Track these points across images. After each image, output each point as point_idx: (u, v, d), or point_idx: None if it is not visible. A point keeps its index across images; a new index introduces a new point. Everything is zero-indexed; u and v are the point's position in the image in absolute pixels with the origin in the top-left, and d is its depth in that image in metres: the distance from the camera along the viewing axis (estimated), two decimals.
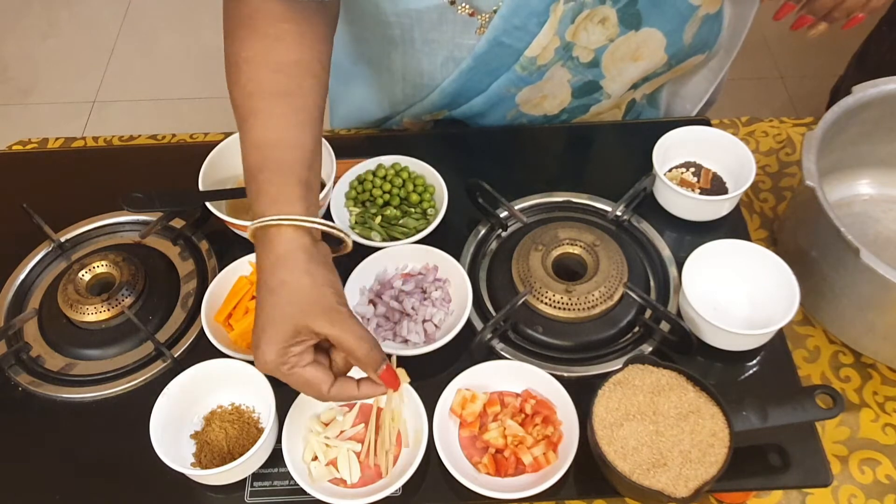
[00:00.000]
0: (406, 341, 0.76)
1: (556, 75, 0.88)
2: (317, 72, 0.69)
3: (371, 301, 0.79)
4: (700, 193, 0.85)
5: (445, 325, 0.77)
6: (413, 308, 0.77)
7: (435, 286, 0.79)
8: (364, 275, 0.80)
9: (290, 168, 0.64)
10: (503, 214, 0.86)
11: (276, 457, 0.70)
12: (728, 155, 0.87)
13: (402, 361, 0.72)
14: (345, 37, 0.98)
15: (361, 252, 0.80)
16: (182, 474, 0.67)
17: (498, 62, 0.85)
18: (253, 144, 0.65)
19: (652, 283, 0.82)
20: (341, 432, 0.70)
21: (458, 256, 0.83)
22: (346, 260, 0.76)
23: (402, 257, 0.82)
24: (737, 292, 0.78)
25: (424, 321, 0.77)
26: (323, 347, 0.63)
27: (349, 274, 0.79)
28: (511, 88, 0.89)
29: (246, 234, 0.64)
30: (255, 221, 0.62)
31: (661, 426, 0.65)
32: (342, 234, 0.66)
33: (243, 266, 0.81)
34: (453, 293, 0.79)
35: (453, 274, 0.79)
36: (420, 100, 0.94)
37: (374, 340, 0.61)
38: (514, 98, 0.91)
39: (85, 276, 0.82)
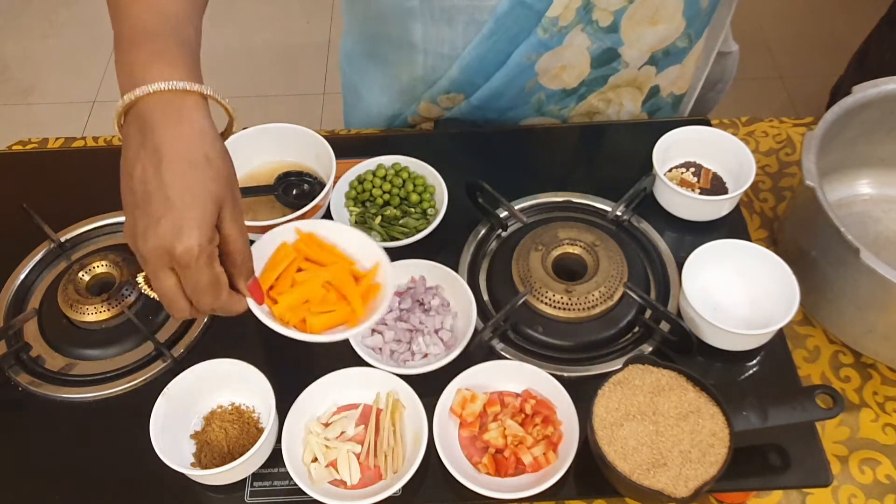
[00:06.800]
0: (426, 356, 0.75)
1: (576, 41, 0.87)
2: None
3: (375, 330, 0.77)
4: (700, 193, 0.85)
5: (456, 328, 0.77)
6: (420, 322, 0.76)
7: (430, 294, 0.78)
8: None
9: (190, 42, 0.60)
10: (503, 214, 0.86)
11: (276, 457, 0.70)
12: (728, 155, 0.87)
13: (423, 376, 0.71)
14: (360, 23, 0.98)
15: None
16: (182, 474, 0.67)
17: (519, 26, 0.85)
18: (151, 8, 0.59)
19: (652, 283, 0.82)
20: (341, 433, 0.70)
21: (457, 256, 0.83)
22: None
23: None
24: (737, 292, 0.78)
25: (437, 331, 0.76)
26: None
27: None
28: (531, 55, 0.88)
29: (127, 98, 0.57)
30: (172, 83, 0.54)
31: (661, 426, 0.65)
32: (230, 110, 0.60)
33: (288, 231, 0.66)
34: (450, 296, 0.79)
35: (444, 278, 0.79)
36: (440, 76, 0.93)
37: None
38: (533, 67, 0.90)
39: (85, 276, 0.82)
